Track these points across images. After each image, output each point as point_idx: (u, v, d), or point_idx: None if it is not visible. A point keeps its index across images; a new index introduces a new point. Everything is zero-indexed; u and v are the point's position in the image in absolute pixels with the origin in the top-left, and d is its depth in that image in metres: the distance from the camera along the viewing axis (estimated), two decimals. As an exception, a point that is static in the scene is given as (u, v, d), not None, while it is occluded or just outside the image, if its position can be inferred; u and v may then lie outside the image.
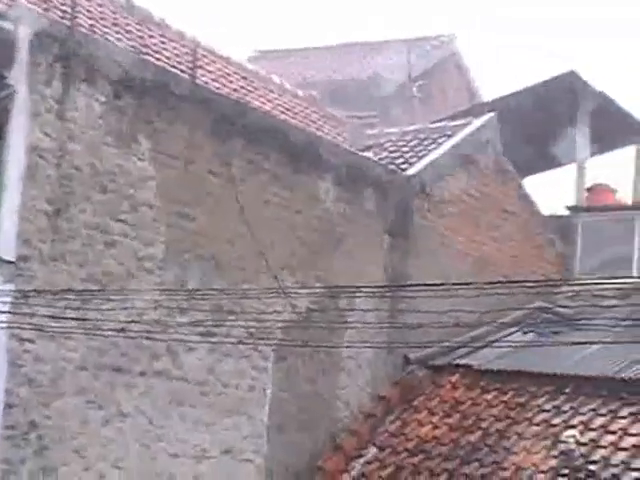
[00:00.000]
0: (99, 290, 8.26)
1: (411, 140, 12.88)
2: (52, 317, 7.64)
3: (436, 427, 10.68)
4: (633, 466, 9.34)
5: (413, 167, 12.09)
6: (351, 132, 13.13)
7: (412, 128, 13.43)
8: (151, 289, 8.67)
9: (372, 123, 15.25)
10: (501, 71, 29.81)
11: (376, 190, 11.37)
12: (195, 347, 9.08)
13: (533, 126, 15.30)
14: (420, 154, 12.46)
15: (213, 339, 8.95)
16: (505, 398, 10.91)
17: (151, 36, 10.91)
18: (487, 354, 11.58)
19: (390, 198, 11.57)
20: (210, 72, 11.30)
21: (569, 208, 14.94)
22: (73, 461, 8.29)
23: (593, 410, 10.32)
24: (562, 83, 15.14)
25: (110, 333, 8.17)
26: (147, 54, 10.05)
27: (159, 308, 8.71)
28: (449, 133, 12.85)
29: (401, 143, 12.85)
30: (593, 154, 16.24)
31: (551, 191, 17.40)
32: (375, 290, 9.93)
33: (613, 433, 9.85)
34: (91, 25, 9.70)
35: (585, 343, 10.52)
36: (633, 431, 9.80)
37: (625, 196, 16.41)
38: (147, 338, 8.42)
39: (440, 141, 12.69)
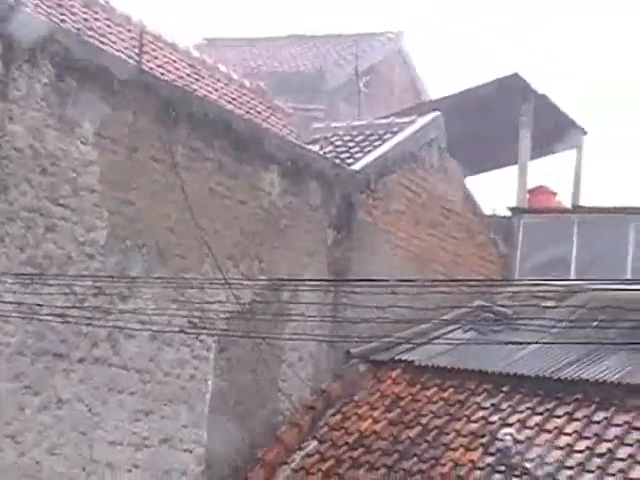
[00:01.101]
0: (38, 274, 8.06)
1: (357, 135, 12.86)
2: (-11, 300, 7.43)
3: (376, 422, 10.67)
4: (567, 464, 9.45)
5: (359, 162, 12.08)
6: (297, 125, 13.07)
7: (358, 123, 13.43)
8: (92, 275, 8.49)
9: (318, 117, 15.23)
10: (450, 65, 30.05)
11: (321, 184, 11.33)
12: (136, 335, 8.93)
13: (477, 126, 15.44)
14: (366, 149, 12.45)
15: (154, 327, 8.81)
16: (445, 395, 10.96)
17: (96, 19, 10.71)
18: (428, 350, 11.62)
19: (335, 192, 11.54)
20: (156, 58, 11.15)
21: (510, 209, 15.09)
22: (8, 447, 8.09)
23: (530, 409, 10.42)
24: (505, 84, 15.29)
25: (49, 318, 7.98)
26: (92, 37, 9.86)
27: (100, 295, 8.54)
28: (395, 130, 12.86)
29: (347, 138, 12.83)
30: (535, 156, 16.44)
31: (494, 191, 17.58)
32: (318, 283, 9.89)
33: (549, 432, 9.96)
34: (35, 5, 9.47)
35: (523, 343, 10.68)
36: (568, 430, 9.92)
37: (565, 198, 16.68)
38: (87, 324, 8.24)
39: (386, 137, 12.69)
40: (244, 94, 12.76)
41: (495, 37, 31.86)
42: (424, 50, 30.11)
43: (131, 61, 9.54)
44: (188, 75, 11.61)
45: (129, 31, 10.98)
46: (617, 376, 10.55)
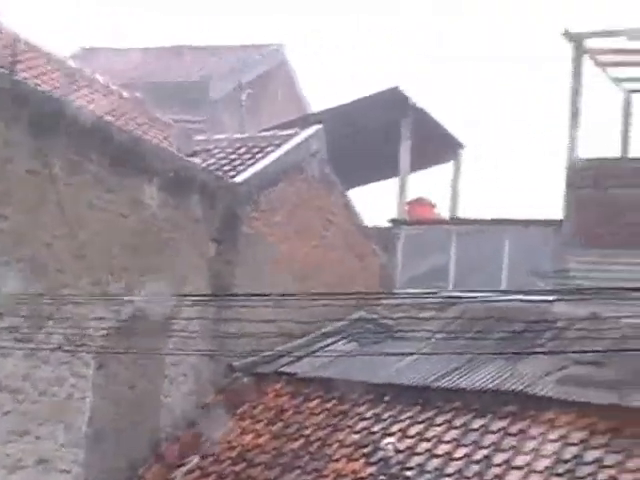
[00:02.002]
0: None
1: (239, 148, 12.85)
2: None
3: (259, 435, 10.65)
4: (446, 472, 9.62)
5: (241, 175, 12.06)
6: (179, 137, 12.94)
7: (241, 136, 13.43)
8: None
9: (200, 129, 15.13)
10: (330, 79, 30.30)
11: (203, 197, 11.26)
12: (10, 353, 8.66)
13: (359, 139, 15.61)
14: (248, 162, 12.44)
15: (30, 345, 8.57)
16: (328, 406, 11.02)
17: (-34, 27, 10.38)
18: (311, 363, 11.67)
19: (217, 205, 11.48)
20: (31, 68, 10.85)
21: (391, 220, 15.32)
22: None
23: (410, 418, 10.57)
24: (385, 98, 15.51)
25: None
26: (-38, 46, 9.55)
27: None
28: (277, 142, 12.90)
29: (229, 150, 12.80)
30: (415, 169, 16.72)
31: (375, 203, 17.82)
32: (199, 299, 9.81)
33: (428, 440, 10.13)
34: None
35: (401, 354, 10.84)
36: (447, 438, 10.11)
37: (444, 210, 17.02)
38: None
39: (268, 150, 12.72)
40: (123, 105, 12.56)
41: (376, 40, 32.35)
42: (307, 61, 30.36)
43: (4, 70, 9.28)
44: (64, 85, 11.34)
45: (1, 39, 10.66)
46: (493, 384, 10.81)
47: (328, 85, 30.29)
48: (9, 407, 8.84)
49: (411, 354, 10.82)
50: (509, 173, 28.55)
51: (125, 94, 13.04)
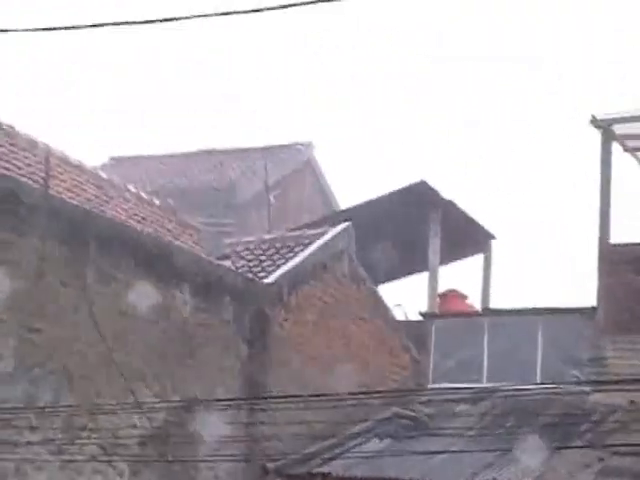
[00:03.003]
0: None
1: (268, 249, 13.02)
2: None
3: (294, 539, 10.54)
4: None
5: (270, 276, 12.20)
6: (208, 241, 13.17)
7: (269, 237, 13.61)
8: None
9: (229, 231, 15.36)
10: (358, 176, 30.71)
11: (233, 299, 11.39)
12: (44, 466, 8.73)
13: (387, 234, 15.75)
14: (277, 262, 12.60)
15: (65, 456, 8.64)
16: (362, 506, 10.90)
17: (0, 145, 10.73)
18: (345, 462, 11.59)
19: (248, 307, 11.60)
20: (63, 181, 11.17)
21: (422, 314, 15.32)
22: None
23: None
24: (413, 192, 15.70)
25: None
26: (-3, 164, 9.88)
27: (7, 427, 8.36)
28: (306, 242, 13.06)
29: (258, 252, 12.97)
30: (445, 261, 16.80)
31: (405, 297, 17.87)
32: (231, 403, 9.85)
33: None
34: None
35: (432, 453, 10.73)
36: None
37: (476, 301, 17.00)
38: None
39: (297, 250, 12.87)
40: (153, 213, 12.84)
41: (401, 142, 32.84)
42: (333, 158, 30.83)
43: (37, 186, 9.57)
44: (96, 197, 11.65)
45: (35, 155, 11.01)
46: (530, 478, 10.65)
47: (355, 178, 30.68)
48: (45, 519, 8.86)
49: (445, 452, 10.73)
50: (540, 261, 28.50)
51: (155, 201, 13.34)
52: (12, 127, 11.49)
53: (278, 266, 12.51)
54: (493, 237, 17.42)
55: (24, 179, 9.76)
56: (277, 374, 11.76)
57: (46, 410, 8.59)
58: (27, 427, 8.58)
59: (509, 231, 26.45)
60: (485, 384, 13.76)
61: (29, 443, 8.48)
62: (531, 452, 11.02)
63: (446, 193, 16.17)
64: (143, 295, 10.16)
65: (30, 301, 8.97)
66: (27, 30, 5.53)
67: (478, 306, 16.62)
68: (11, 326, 8.75)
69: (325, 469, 11.52)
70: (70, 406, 8.70)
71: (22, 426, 8.46)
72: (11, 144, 10.97)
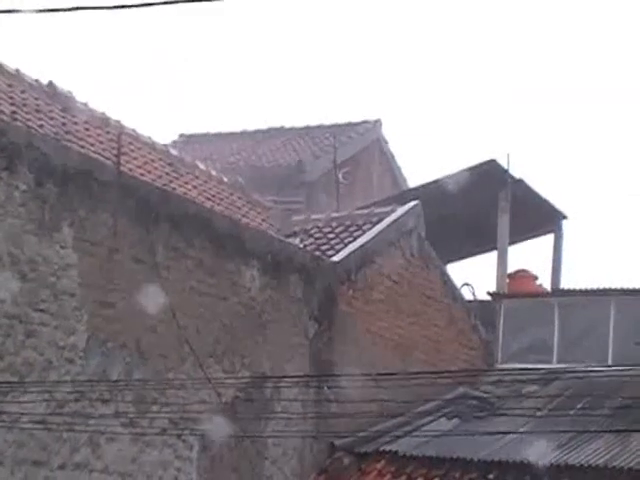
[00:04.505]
0: (18, 382, 8.05)
1: (337, 226, 13.02)
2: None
3: (362, 515, 10.59)
4: None
5: (339, 254, 12.20)
6: (277, 218, 13.21)
7: (337, 214, 13.59)
8: (72, 381, 8.48)
9: (298, 209, 15.39)
10: (427, 153, 30.50)
11: (302, 277, 11.42)
12: (117, 438, 8.89)
13: (456, 213, 15.63)
14: (345, 240, 12.59)
15: (136, 429, 8.78)
16: (430, 485, 10.90)
17: (75, 122, 10.87)
18: (413, 440, 11.59)
19: (316, 285, 11.62)
20: (135, 159, 11.30)
21: (491, 294, 15.19)
22: None
23: (517, 496, 10.36)
24: (482, 171, 15.53)
25: (29, 426, 7.95)
26: (70, 141, 10.00)
27: (81, 399, 8.52)
28: (374, 220, 13.02)
29: (327, 229, 12.97)
30: (514, 241, 16.60)
31: (474, 277, 17.71)
32: (301, 380, 9.90)
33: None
34: (13, 112, 9.63)
35: (507, 433, 10.65)
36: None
37: (546, 282, 16.79)
38: (68, 430, 8.21)
39: (365, 228, 12.84)
40: (223, 190, 12.92)
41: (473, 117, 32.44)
42: (402, 136, 30.65)
43: (110, 163, 9.69)
44: (167, 174, 11.76)
45: (107, 133, 11.14)
46: (602, 460, 10.53)
47: (424, 155, 30.50)
48: (118, 491, 9.04)
49: (517, 433, 10.64)
50: (612, 241, 28.04)
51: (225, 179, 13.42)
52: (86, 105, 11.66)
53: (346, 244, 12.50)
54: (565, 216, 17.16)
55: (97, 156, 9.88)
56: (344, 352, 11.78)
57: (119, 384, 8.73)
58: (100, 400, 8.74)
59: (583, 209, 26.00)
60: (555, 365, 13.63)
61: (102, 416, 8.63)
62: (602, 435, 10.89)
63: (516, 171, 15.98)
64: (212, 272, 10.25)
65: (102, 276, 9.11)
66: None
67: (548, 287, 16.41)
68: (84, 301, 8.90)
69: (393, 447, 11.54)
70: (141, 380, 8.82)
71: (95, 399, 8.61)
72: (85, 122, 11.12)
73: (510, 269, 16.09)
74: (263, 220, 12.85)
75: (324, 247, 12.46)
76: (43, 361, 8.46)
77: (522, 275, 15.91)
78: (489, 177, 15.56)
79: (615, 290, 14.15)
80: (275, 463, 10.72)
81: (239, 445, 10.18)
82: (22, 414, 7.96)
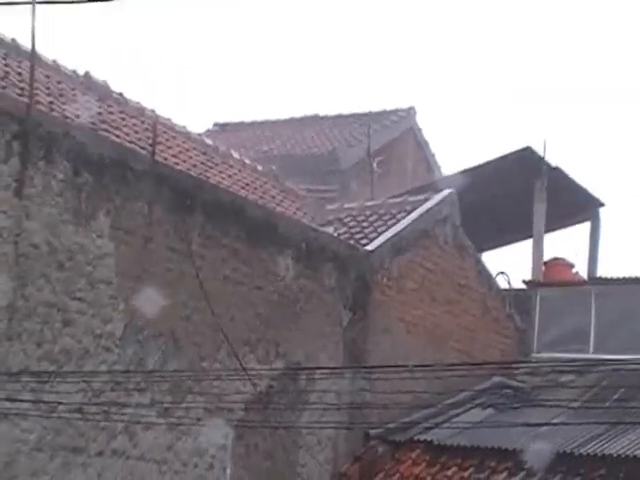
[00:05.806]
0: (55, 372, 8.13)
1: (370, 215, 12.98)
2: (7, 399, 7.49)
3: (397, 504, 10.59)
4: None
5: (372, 242, 12.17)
6: (311, 207, 13.20)
7: (371, 203, 13.54)
8: (108, 371, 8.55)
9: (332, 197, 15.36)
10: (461, 141, 30.33)
11: (336, 265, 11.41)
12: (153, 426, 8.95)
13: (491, 201, 15.52)
14: (379, 229, 12.55)
15: (172, 418, 8.83)
16: (465, 474, 10.88)
17: (110, 112, 10.92)
18: (447, 430, 11.55)
19: (350, 273, 11.61)
20: (170, 148, 11.33)
21: (526, 282, 15.09)
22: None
23: (553, 486, 10.30)
24: (518, 158, 15.40)
25: (67, 414, 8.03)
26: (106, 130, 10.05)
27: (117, 388, 8.59)
28: (408, 208, 12.97)
29: (361, 218, 12.94)
30: (550, 229, 16.47)
31: (509, 265, 17.58)
32: (335, 371, 9.91)
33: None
34: (50, 102, 9.69)
35: (541, 425, 10.57)
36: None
37: (582, 270, 16.65)
38: (104, 420, 8.27)
39: (399, 216, 12.80)
40: (257, 179, 12.93)
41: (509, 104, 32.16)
42: (436, 123, 30.46)
43: (145, 152, 9.73)
44: (202, 163, 11.78)
45: (143, 122, 11.18)
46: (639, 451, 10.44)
47: (458, 143, 30.30)
48: (153, 478, 9.10)
49: (552, 424, 10.57)
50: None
51: (259, 167, 13.43)
52: (121, 95, 11.71)
53: (380, 233, 12.47)
54: (601, 204, 16.97)
55: (132, 146, 9.93)
56: (378, 341, 11.76)
57: (154, 374, 8.78)
58: (136, 389, 8.80)
59: (620, 197, 25.73)
60: (591, 355, 13.52)
61: (138, 405, 8.69)
62: (637, 427, 10.79)
63: (553, 158, 15.83)
64: (246, 260, 10.27)
65: (138, 265, 9.16)
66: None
67: (584, 275, 16.27)
68: (120, 289, 8.96)
69: (427, 437, 11.52)
70: (177, 371, 8.87)
71: (131, 388, 8.67)
72: (120, 111, 11.17)
73: (546, 257, 15.97)
74: (297, 209, 12.84)
75: (358, 236, 12.44)
76: (80, 349, 8.54)
77: (558, 263, 15.79)
78: (525, 164, 15.44)
79: (653, 279, 14.02)
80: (309, 451, 10.75)
81: (274, 434, 10.21)
82: (59, 403, 8.04)
